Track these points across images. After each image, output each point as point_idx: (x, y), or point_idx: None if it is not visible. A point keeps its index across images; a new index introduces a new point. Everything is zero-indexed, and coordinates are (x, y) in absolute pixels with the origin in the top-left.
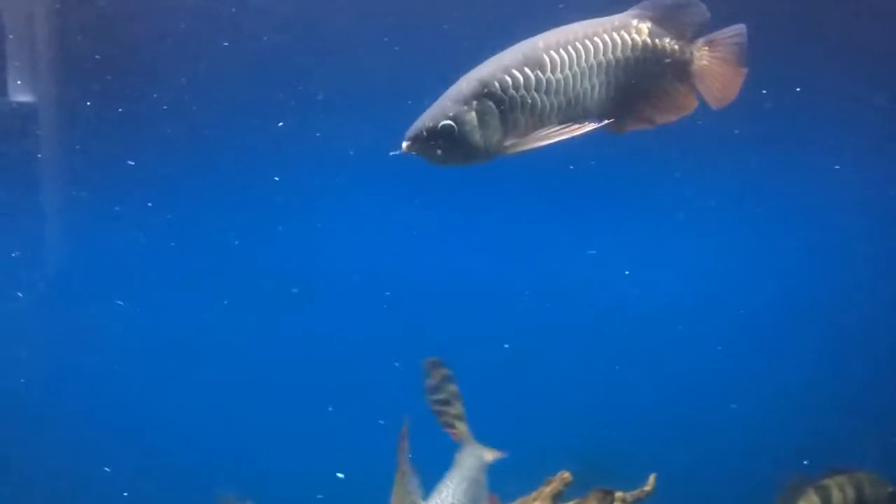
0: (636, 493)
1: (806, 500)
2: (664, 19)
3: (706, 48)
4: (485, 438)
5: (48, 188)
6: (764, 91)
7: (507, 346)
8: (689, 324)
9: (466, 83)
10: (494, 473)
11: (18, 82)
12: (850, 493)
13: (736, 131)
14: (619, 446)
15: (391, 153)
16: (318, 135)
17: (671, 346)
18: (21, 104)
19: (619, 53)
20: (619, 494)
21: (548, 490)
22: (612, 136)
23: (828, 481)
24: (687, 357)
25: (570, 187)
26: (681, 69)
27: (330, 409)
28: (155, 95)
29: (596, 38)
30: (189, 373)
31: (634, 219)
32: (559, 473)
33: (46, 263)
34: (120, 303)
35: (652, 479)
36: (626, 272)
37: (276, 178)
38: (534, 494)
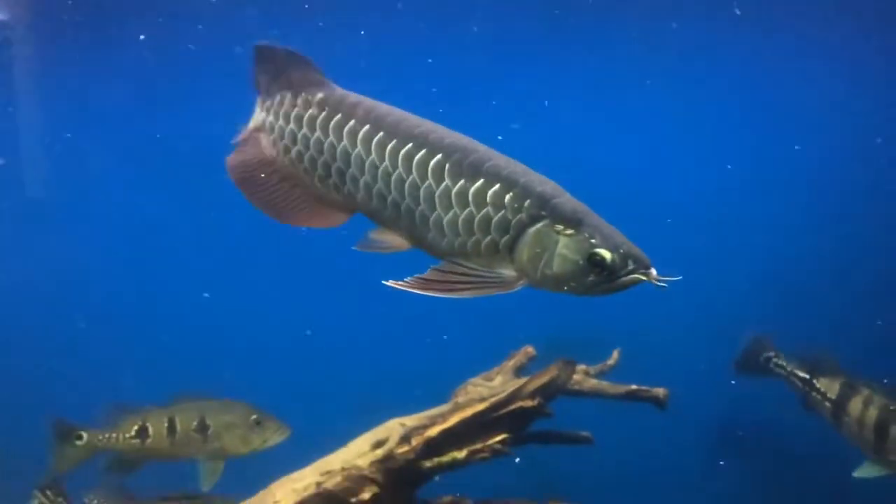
0: (599, 366)
1: (829, 380)
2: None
3: None
4: (460, 332)
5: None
6: None
7: None
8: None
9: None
10: (462, 361)
11: None
12: (873, 413)
13: None
14: (593, 334)
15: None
16: None
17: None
18: None
19: None
20: (581, 367)
21: (510, 364)
22: None
23: (865, 389)
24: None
25: None
26: None
27: None
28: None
29: None
30: None
31: None
32: (522, 347)
33: (25, 177)
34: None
35: (616, 353)
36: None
37: None
38: (496, 369)
